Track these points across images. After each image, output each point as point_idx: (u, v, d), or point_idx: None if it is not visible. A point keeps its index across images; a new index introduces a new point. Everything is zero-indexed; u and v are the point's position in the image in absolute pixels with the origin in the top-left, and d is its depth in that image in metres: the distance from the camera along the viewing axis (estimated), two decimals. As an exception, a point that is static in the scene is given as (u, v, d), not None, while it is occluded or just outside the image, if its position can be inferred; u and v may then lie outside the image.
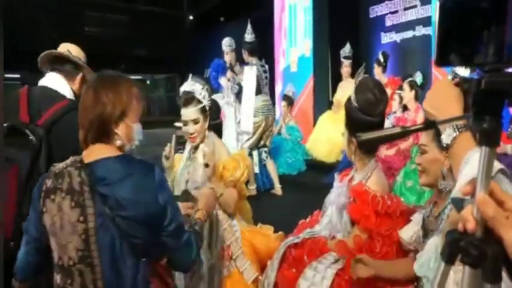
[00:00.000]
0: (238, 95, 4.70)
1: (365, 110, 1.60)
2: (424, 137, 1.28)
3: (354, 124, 1.64)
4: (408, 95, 4.06)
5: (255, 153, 4.64)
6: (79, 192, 1.13)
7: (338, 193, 1.71)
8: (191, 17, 10.99)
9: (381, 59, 5.06)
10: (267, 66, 4.78)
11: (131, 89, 1.25)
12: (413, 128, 0.59)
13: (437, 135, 1.21)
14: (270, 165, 4.74)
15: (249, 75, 4.53)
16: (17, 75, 8.62)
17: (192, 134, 1.93)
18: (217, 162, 1.94)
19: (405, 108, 4.22)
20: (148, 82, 13.73)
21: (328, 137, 5.25)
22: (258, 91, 4.58)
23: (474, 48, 0.50)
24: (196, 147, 1.98)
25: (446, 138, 0.73)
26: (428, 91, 0.78)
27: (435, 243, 1.16)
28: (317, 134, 5.60)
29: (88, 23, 9.44)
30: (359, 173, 1.70)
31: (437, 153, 1.25)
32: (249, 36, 4.80)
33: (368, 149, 1.63)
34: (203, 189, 1.78)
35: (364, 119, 1.60)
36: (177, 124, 2.13)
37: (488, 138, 0.51)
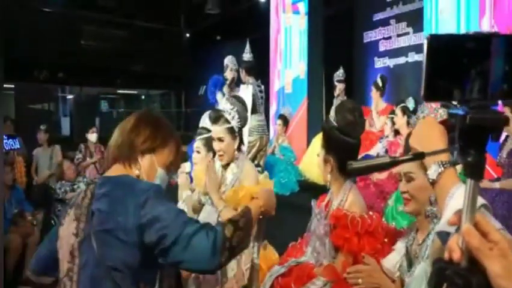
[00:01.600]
0: None
1: (344, 130, 1.62)
2: (408, 165, 1.29)
3: (332, 144, 1.65)
4: (400, 120, 4.13)
5: None
6: (80, 206, 1.19)
7: (317, 222, 1.71)
8: (188, 35, 11.13)
9: (380, 83, 5.12)
10: (262, 87, 4.85)
11: (170, 137, 1.29)
12: (401, 158, 0.61)
13: (423, 162, 1.24)
14: (263, 185, 4.74)
15: (245, 93, 4.58)
16: (12, 85, 8.61)
17: (218, 152, 1.96)
18: (240, 185, 1.90)
19: (397, 132, 4.28)
20: (143, 97, 13.78)
21: (321, 158, 5.27)
22: (254, 110, 4.63)
23: (460, 85, 0.52)
24: (226, 166, 2.00)
25: (432, 173, 0.76)
26: (414, 129, 0.82)
27: (424, 269, 1.17)
28: (311, 155, 5.63)
29: (85, 37, 9.52)
30: (336, 196, 1.70)
31: (424, 181, 1.25)
32: (247, 55, 4.89)
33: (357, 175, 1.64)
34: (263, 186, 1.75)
35: (342, 139, 1.62)
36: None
37: (473, 172, 0.54)
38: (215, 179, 1.89)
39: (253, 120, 4.59)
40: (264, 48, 7.20)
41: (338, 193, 1.69)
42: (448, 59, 0.52)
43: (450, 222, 0.56)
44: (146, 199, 1.12)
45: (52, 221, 4.19)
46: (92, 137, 5.55)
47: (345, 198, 1.65)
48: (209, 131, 2.17)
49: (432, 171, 0.77)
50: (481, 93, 0.53)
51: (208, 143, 2.18)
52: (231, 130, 1.95)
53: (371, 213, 1.62)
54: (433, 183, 0.78)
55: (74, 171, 4.74)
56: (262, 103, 4.87)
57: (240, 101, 2.04)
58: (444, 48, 0.52)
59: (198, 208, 2.05)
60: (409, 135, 1.33)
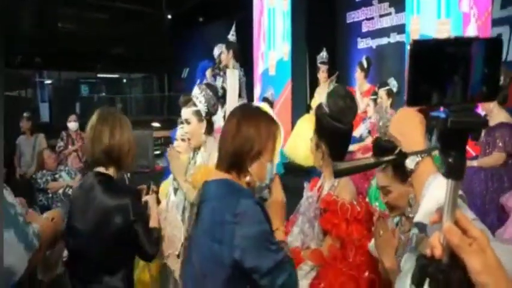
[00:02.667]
0: (222, 98, 4.73)
1: (336, 116, 1.63)
2: (383, 179, 1.32)
3: (324, 130, 1.66)
4: (385, 103, 4.17)
5: None
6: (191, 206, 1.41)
7: (308, 204, 1.74)
8: (169, 16, 10.87)
9: (365, 64, 5.12)
10: (242, 70, 4.82)
11: (271, 127, 1.25)
12: (386, 158, 0.63)
13: (396, 173, 1.28)
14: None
15: (232, 78, 4.55)
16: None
17: (186, 133, 2.06)
18: (202, 165, 1.97)
19: (380, 114, 4.32)
20: (124, 81, 13.51)
21: (306, 140, 5.28)
22: (240, 95, 4.63)
23: (442, 89, 0.54)
24: (197, 151, 2.07)
25: (410, 163, 0.78)
26: (393, 117, 0.83)
27: (411, 263, 1.22)
28: (295, 138, 5.66)
29: (62, 20, 9.19)
30: (328, 181, 1.73)
31: (401, 189, 1.30)
32: (233, 37, 4.81)
33: (343, 175, 1.64)
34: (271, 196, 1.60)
35: (334, 126, 1.63)
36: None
37: (454, 172, 0.55)
38: (178, 164, 2.02)
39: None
40: (247, 29, 7.11)
41: (330, 178, 1.71)
42: (431, 63, 0.53)
43: (431, 221, 0.59)
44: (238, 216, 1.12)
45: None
46: (72, 125, 5.42)
47: (336, 184, 1.68)
48: None
49: (410, 161, 0.79)
50: (462, 96, 0.54)
51: None
52: (197, 113, 2.01)
53: (360, 200, 1.66)
54: (411, 172, 0.80)
55: (55, 160, 4.63)
56: (244, 87, 4.86)
57: (211, 88, 2.09)
58: (427, 52, 0.53)
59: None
60: (376, 139, 1.37)
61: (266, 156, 1.22)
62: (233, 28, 4.84)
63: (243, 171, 1.21)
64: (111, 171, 1.63)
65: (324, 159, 1.69)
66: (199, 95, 2.02)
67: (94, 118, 1.64)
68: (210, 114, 2.05)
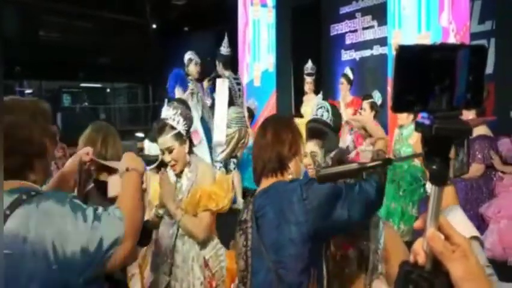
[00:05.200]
0: (212, 108, 4.72)
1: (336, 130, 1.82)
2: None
3: (331, 145, 1.79)
4: (369, 115, 4.23)
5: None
6: (245, 221, 1.43)
7: None
8: (154, 26, 10.86)
9: (351, 76, 5.18)
10: (240, 79, 4.85)
11: (298, 129, 1.46)
12: (370, 164, 0.63)
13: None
14: (236, 177, 4.74)
15: (221, 87, 4.57)
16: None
17: (169, 162, 1.87)
18: (197, 188, 1.85)
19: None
20: (108, 91, 13.35)
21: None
22: (231, 103, 4.65)
23: (427, 96, 0.54)
24: (180, 173, 1.91)
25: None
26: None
27: None
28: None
29: (44, 28, 9.06)
30: None
31: None
32: (225, 49, 4.83)
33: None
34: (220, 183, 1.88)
35: (336, 140, 1.81)
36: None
37: (438, 179, 0.56)
38: (170, 189, 1.84)
39: (231, 113, 4.62)
40: (232, 41, 7.15)
41: None
42: (416, 70, 0.53)
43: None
44: (305, 194, 1.26)
45: None
46: None
47: None
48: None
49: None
50: (447, 103, 0.54)
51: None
52: (178, 136, 1.85)
53: None
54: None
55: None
56: (240, 95, 4.86)
57: (181, 103, 1.99)
58: (412, 59, 0.53)
59: (157, 222, 1.94)
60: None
61: (299, 156, 1.43)
62: (225, 40, 4.88)
63: (286, 169, 1.38)
64: None
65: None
66: (175, 116, 1.86)
67: (87, 131, 1.76)
68: (189, 131, 1.92)
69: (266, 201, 1.33)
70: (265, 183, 1.37)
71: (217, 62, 4.81)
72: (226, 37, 4.88)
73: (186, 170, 1.90)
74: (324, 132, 1.80)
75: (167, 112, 1.88)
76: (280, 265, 1.25)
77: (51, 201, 1.07)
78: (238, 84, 4.82)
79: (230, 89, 4.63)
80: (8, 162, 1.06)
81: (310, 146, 1.78)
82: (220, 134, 4.51)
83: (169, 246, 1.85)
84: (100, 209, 1.10)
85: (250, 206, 1.37)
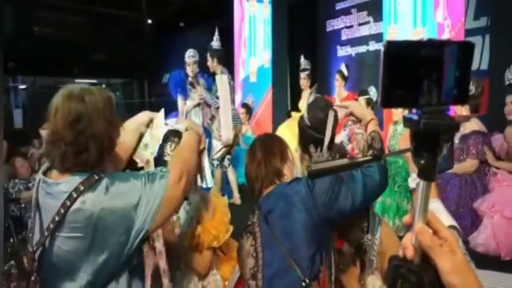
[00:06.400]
0: (218, 108, 4.52)
1: (316, 128, 1.66)
2: None
3: (306, 141, 1.69)
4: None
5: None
6: (252, 224, 1.50)
7: None
8: (150, 21, 10.78)
9: (346, 72, 5.17)
10: (230, 76, 4.78)
11: (280, 137, 1.60)
12: (360, 159, 0.63)
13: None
14: (231, 174, 4.74)
15: (222, 84, 4.45)
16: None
17: None
18: (197, 226, 1.73)
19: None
20: (103, 87, 13.28)
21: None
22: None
23: (415, 91, 0.54)
24: None
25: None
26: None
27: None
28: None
29: (38, 24, 8.97)
30: None
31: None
32: (216, 43, 4.75)
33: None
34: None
35: (314, 137, 1.66)
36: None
37: (426, 173, 0.56)
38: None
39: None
40: (228, 36, 7.13)
41: None
42: (404, 65, 0.53)
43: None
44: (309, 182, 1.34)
45: (6, 224, 3.83)
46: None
47: None
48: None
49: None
50: (435, 98, 0.54)
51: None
52: None
53: None
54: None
55: (28, 169, 4.47)
56: (232, 92, 4.81)
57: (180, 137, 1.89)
58: (400, 54, 0.53)
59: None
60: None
61: (290, 160, 1.53)
62: (216, 34, 4.80)
63: (283, 176, 1.47)
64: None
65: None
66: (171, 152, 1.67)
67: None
68: None
69: (273, 199, 1.40)
70: (266, 191, 1.46)
71: (209, 57, 4.67)
72: (216, 31, 4.80)
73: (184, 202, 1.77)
74: (301, 128, 1.74)
75: (167, 150, 1.71)
76: (293, 251, 1.29)
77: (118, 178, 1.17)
78: (231, 79, 4.77)
79: (229, 85, 4.55)
80: (81, 158, 1.12)
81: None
82: (227, 132, 4.42)
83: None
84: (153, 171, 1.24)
85: (256, 211, 1.44)
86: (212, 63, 4.67)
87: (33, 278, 1.06)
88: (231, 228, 1.84)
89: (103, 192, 1.11)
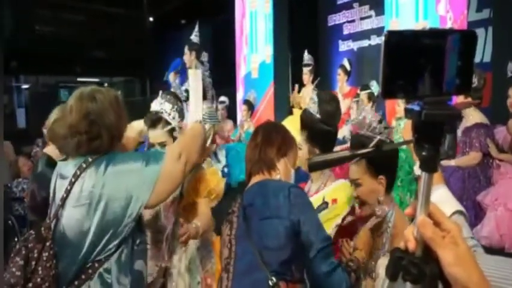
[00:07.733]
0: (186, 101, 4.53)
1: (326, 121, 1.71)
2: (355, 172, 1.38)
3: (317, 136, 1.72)
4: (366, 106, 4.21)
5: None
6: (232, 212, 1.51)
7: None
8: (151, 19, 10.76)
9: (348, 67, 5.15)
10: (208, 66, 4.70)
11: (293, 138, 1.53)
12: (361, 151, 0.63)
13: (369, 167, 1.32)
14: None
15: (195, 79, 4.39)
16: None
17: None
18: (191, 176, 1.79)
19: (362, 115, 4.36)
20: (105, 85, 13.28)
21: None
22: (204, 97, 4.51)
23: (416, 82, 0.53)
24: None
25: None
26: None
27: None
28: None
29: (40, 22, 8.97)
30: (315, 182, 1.75)
31: (371, 184, 1.35)
32: (196, 37, 4.68)
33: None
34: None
35: (326, 131, 1.72)
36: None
37: (427, 165, 0.55)
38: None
39: (204, 108, 4.49)
40: (229, 32, 7.10)
41: (318, 179, 1.75)
42: (405, 55, 0.53)
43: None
44: (291, 195, 1.32)
45: (9, 222, 3.74)
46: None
47: (324, 183, 1.72)
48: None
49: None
50: (436, 89, 0.54)
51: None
52: (172, 131, 1.82)
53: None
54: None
55: (31, 168, 4.49)
56: (210, 88, 4.74)
57: (177, 98, 1.97)
58: (401, 44, 0.52)
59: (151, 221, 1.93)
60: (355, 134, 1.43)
61: (290, 159, 1.48)
62: (196, 28, 4.73)
63: (274, 169, 1.44)
64: None
65: None
66: (170, 111, 1.82)
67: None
68: (181, 127, 1.85)
69: (255, 194, 1.39)
70: (254, 180, 1.45)
71: (186, 51, 4.53)
72: (197, 25, 4.72)
73: None
74: (309, 122, 1.75)
75: (163, 106, 1.84)
76: (263, 253, 1.30)
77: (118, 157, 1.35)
78: (209, 76, 4.71)
79: (203, 81, 4.48)
80: (94, 144, 1.31)
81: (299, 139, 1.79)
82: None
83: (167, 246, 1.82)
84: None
85: (238, 200, 1.44)
86: (190, 57, 4.58)
87: (48, 243, 1.26)
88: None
89: (103, 167, 1.30)
